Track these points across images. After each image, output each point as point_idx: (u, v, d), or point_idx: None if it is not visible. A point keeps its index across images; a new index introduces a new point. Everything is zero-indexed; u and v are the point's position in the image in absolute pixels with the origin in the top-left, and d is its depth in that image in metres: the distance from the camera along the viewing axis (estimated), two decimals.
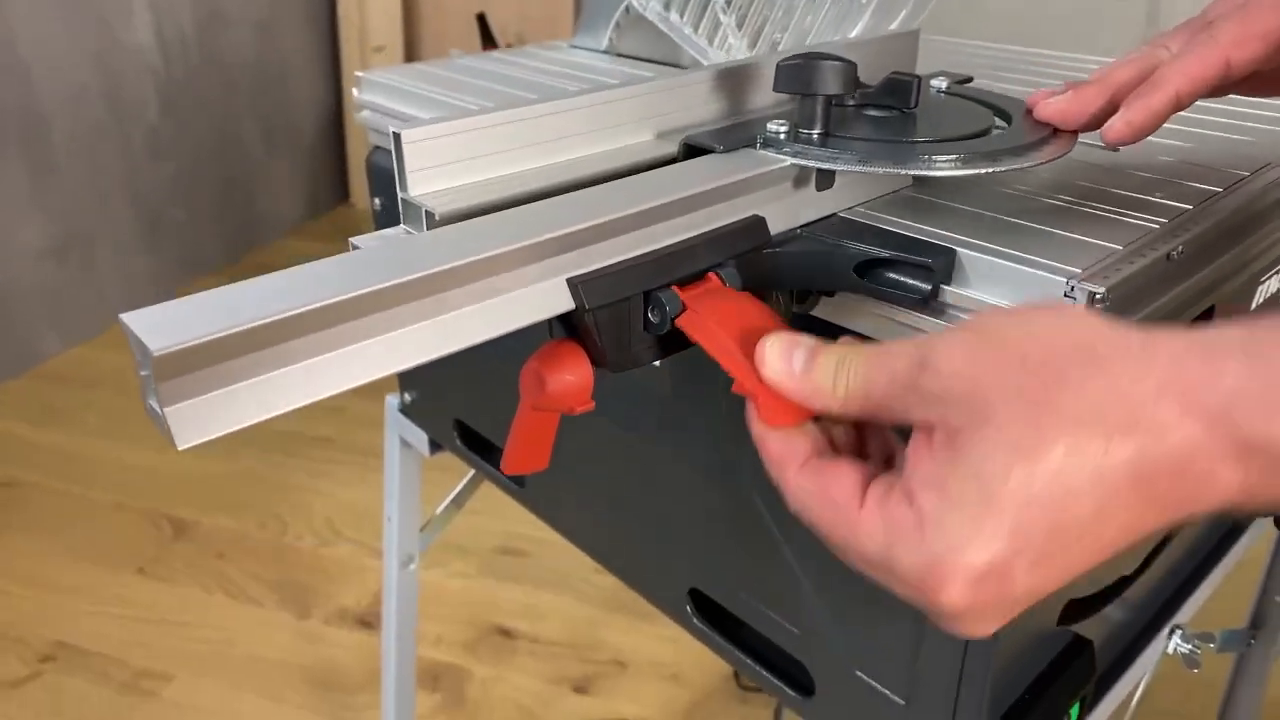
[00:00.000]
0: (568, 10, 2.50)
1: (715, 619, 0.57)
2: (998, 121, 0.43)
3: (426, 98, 0.63)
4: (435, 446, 0.81)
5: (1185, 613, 0.61)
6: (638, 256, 0.34)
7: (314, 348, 0.27)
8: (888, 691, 0.47)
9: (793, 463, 0.31)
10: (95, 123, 2.12)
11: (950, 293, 0.38)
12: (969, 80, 0.50)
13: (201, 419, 0.26)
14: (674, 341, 0.35)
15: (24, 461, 1.75)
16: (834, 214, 0.41)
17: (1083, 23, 1.79)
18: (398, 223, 0.68)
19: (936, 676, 0.45)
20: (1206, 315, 0.44)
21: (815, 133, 0.40)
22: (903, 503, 0.27)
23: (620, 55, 0.74)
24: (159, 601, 1.43)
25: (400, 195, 0.36)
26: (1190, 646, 0.59)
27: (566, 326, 0.34)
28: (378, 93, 0.68)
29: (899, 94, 0.43)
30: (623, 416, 0.56)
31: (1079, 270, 0.36)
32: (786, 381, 0.31)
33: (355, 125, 2.74)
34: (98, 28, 2.08)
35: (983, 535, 0.25)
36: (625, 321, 0.34)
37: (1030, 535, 0.25)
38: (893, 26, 0.59)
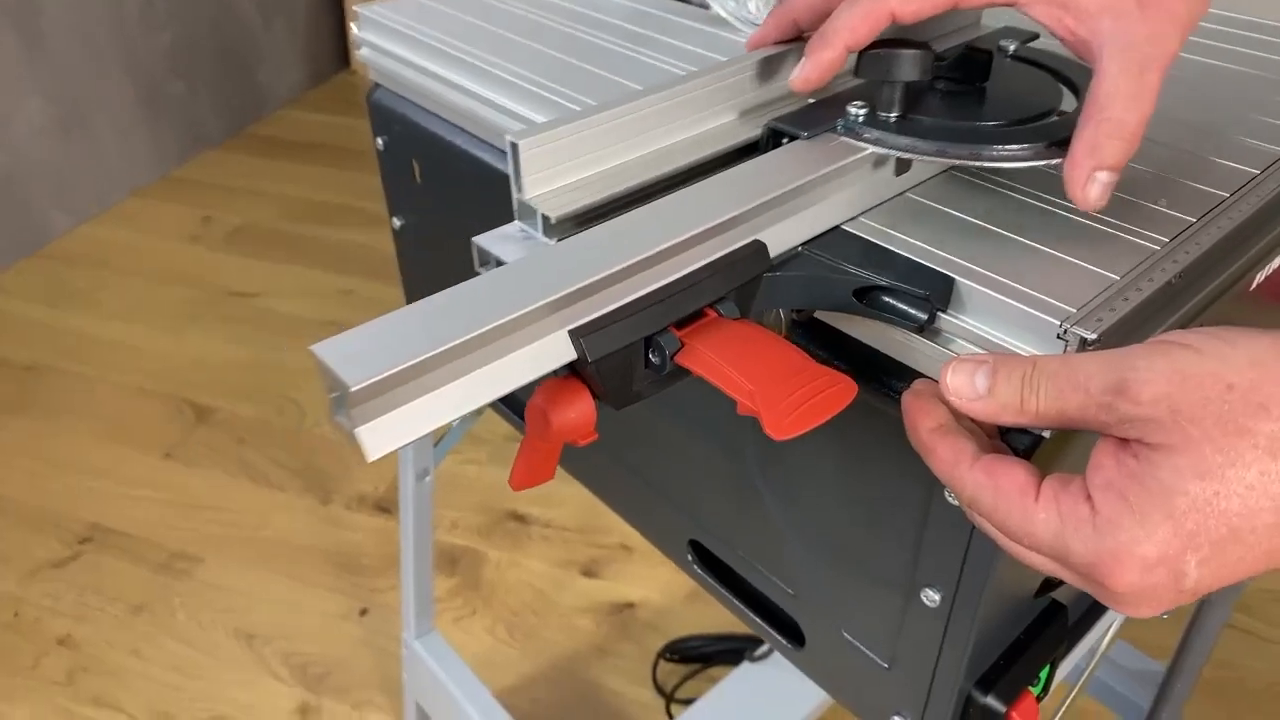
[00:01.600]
0: None
1: (714, 568, 0.61)
2: (1064, 93, 0.44)
3: (428, 45, 0.62)
4: None
5: None
6: (637, 300, 0.35)
7: (477, 363, 0.31)
8: (872, 654, 0.51)
9: (964, 461, 0.32)
10: None
11: (946, 320, 0.38)
12: (1035, 37, 0.49)
13: (385, 435, 0.30)
14: (675, 373, 0.36)
15: (44, 344, 1.79)
16: (837, 227, 0.42)
17: None
18: (403, 162, 0.68)
19: (918, 643, 0.49)
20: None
21: (893, 116, 0.42)
22: (1081, 500, 0.29)
23: None
24: (187, 485, 1.50)
25: (517, 197, 0.40)
26: None
27: (569, 366, 0.35)
28: (376, 32, 0.66)
29: (972, 69, 0.45)
30: None
31: (1074, 309, 0.36)
32: (973, 404, 0.32)
33: None
34: None
35: (1157, 536, 0.28)
36: (627, 365, 0.35)
37: (1208, 537, 0.27)
38: None
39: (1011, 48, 0.47)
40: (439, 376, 0.30)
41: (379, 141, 0.71)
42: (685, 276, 0.36)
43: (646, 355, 0.36)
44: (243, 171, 2.36)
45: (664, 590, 1.33)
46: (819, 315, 0.44)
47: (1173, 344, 0.29)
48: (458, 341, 0.30)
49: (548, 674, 1.23)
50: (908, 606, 0.47)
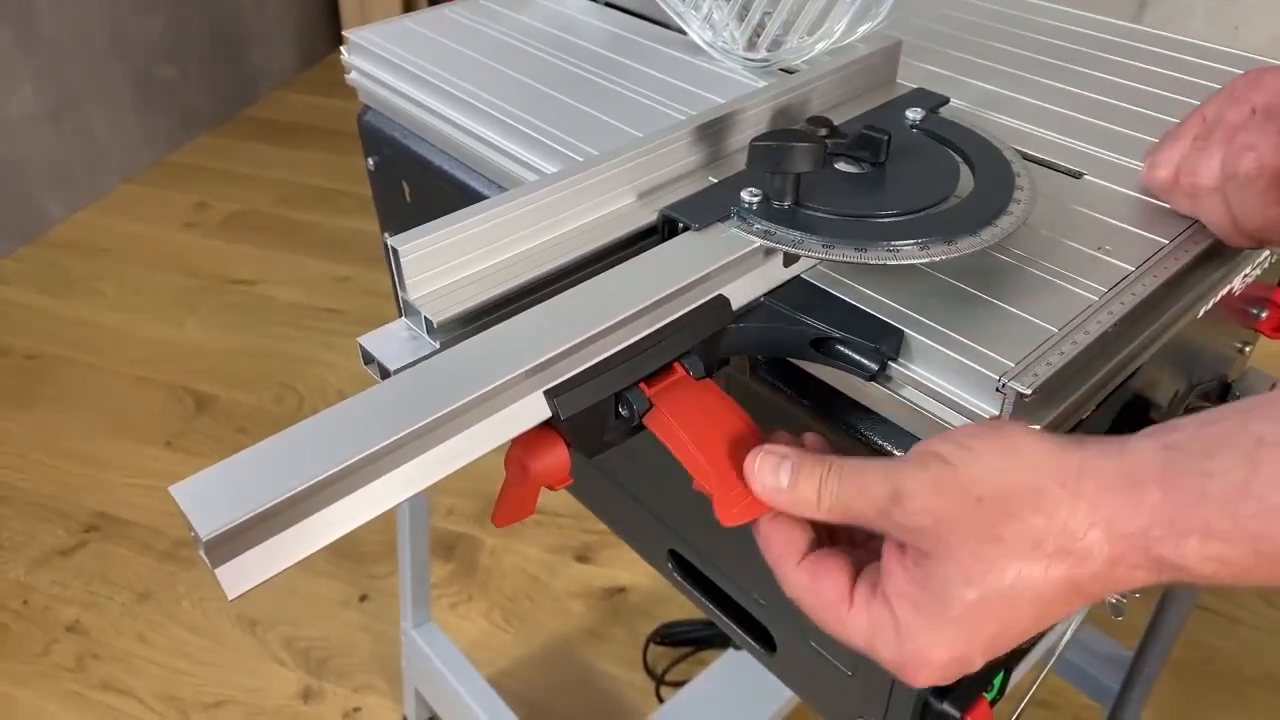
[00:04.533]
0: None
1: (692, 576, 0.64)
2: (963, 173, 0.45)
3: (413, 74, 0.64)
4: None
5: None
6: (608, 359, 0.38)
7: (345, 491, 0.32)
8: (836, 662, 0.54)
9: (791, 558, 0.36)
10: None
11: (896, 370, 0.41)
12: (944, 102, 0.51)
13: (246, 571, 0.30)
14: (642, 426, 0.39)
15: (46, 333, 1.81)
16: (798, 276, 0.44)
17: None
18: (393, 182, 0.71)
19: None
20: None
21: (786, 204, 0.42)
22: (883, 607, 0.34)
23: (608, 4, 0.73)
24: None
25: (401, 297, 0.39)
26: (1118, 597, 0.66)
27: (544, 420, 0.38)
28: (365, 58, 0.68)
29: (871, 148, 0.45)
30: None
31: (1012, 363, 0.39)
32: (775, 496, 0.36)
33: None
34: None
35: (944, 640, 0.32)
36: (598, 418, 0.38)
37: (984, 633, 0.32)
38: (883, 10, 0.58)
39: (918, 118, 0.49)
40: (298, 512, 0.31)
41: (370, 162, 0.73)
42: (650, 335, 0.39)
43: (616, 409, 0.38)
44: (237, 156, 2.37)
45: (655, 576, 1.37)
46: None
47: (930, 455, 0.32)
48: (326, 475, 0.31)
49: (541, 658, 1.27)
50: None
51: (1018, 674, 0.61)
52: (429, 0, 2.47)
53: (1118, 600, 0.67)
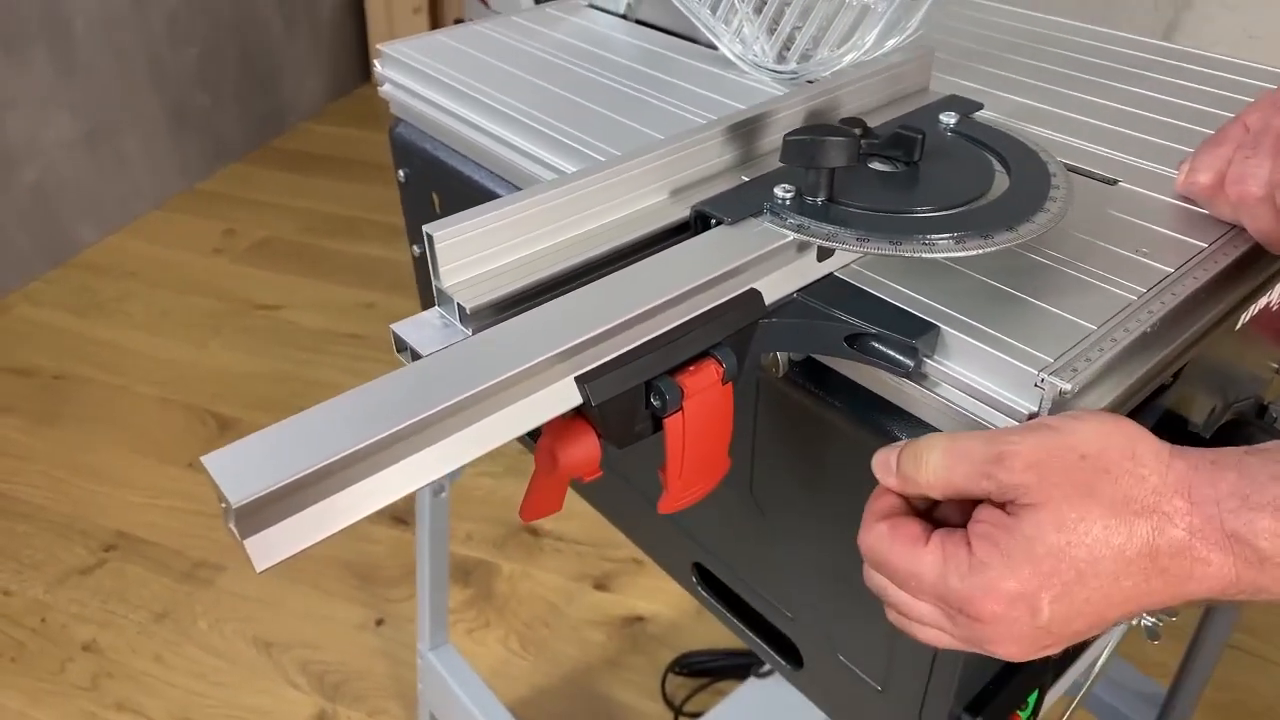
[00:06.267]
0: None
1: (717, 589, 0.63)
2: (998, 173, 0.45)
3: (445, 84, 0.64)
4: None
5: None
6: (639, 347, 0.37)
7: (374, 468, 0.32)
8: (866, 677, 0.53)
9: (873, 516, 0.38)
10: (115, 10, 2.09)
11: (932, 367, 0.41)
12: (979, 107, 0.51)
13: (275, 544, 0.30)
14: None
15: (73, 353, 1.83)
16: (831, 274, 0.44)
17: None
18: (423, 195, 0.71)
19: (910, 668, 0.51)
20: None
21: (820, 199, 0.42)
22: (962, 546, 0.35)
23: (639, 22, 0.74)
24: (209, 495, 1.52)
25: (435, 284, 0.39)
26: (1154, 619, 0.64)
27: (575, 409, 0.38)
28: (398, 70, 0.69)
29: (905, 147, 0.44)
30: None
31: (1050, 359, 0.38)
32: (887, 479, 0.37)
33: (375, 5, 2.66)
34: None
35: (1018, 575, 0.33)
36: (629, 407, 0.38)
37: (1059, 579, 0.33)
38: (912, 25, 0.59)
39: (952, 122, 0.48)
40: (335, 483, 0.30)
41: (400, 174, 0.74)
42: (682, 325, 0.38)
43: (648, 398, 0.38)
44: (265, 185, 2.41)
45: (674, 605, 1.35)
46: (815, 356, 0.46)
47: (1038, 425, 0.35)
48: (356, 448, 0.30)
49: (559, 686, 1.25)
50: (899, 630, 0.49)
51: (1051, 698, 0.59)
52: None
53: (1154, 623, 0.65)
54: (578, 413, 0.38)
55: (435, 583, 1.05)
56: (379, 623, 1.33)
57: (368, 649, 1.29)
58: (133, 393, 1.74)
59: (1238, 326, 0.53)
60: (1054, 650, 0.35)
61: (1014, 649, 0.34)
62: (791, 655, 0.59)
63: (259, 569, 0.30)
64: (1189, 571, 0.32)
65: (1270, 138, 0.44)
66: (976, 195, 0.43)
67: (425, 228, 0.38)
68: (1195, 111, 0.61)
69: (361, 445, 0.31)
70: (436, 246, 0.38)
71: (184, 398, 1.72)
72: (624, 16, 0.75)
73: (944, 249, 0.39)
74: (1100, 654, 0.63)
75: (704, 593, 0.64)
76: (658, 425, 0.39)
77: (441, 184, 0.69)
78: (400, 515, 1.49)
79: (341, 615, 1.34)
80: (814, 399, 0.46)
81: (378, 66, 0.71)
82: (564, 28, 0.74)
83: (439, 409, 0.32)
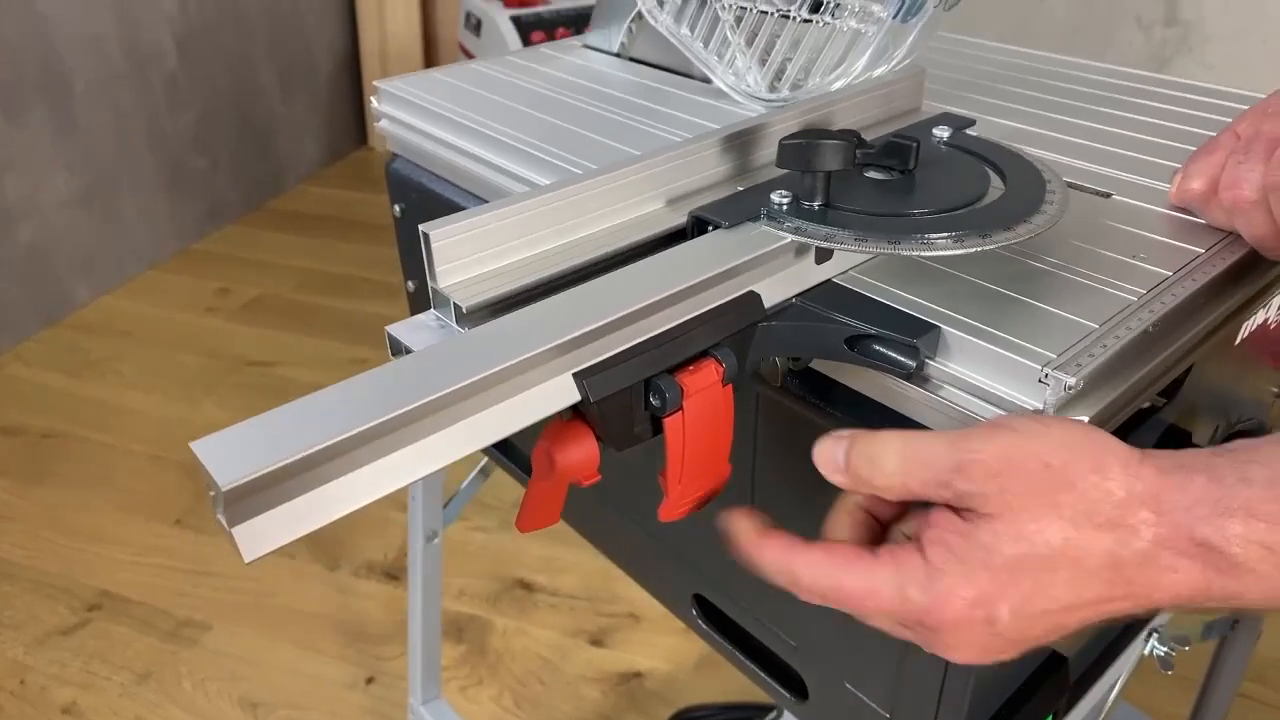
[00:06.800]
0: None
1: (718, 622, 0.61)
2: (994, 181, 0.45)
3: (442, 116, 0.65)
4: None
5: (1163, 615, 0.64)
6: (638, 345, 0.37)
7: (364, 459, 0.31)
8: (873, 704, 0.51)
9: (796, 547, 0.36)
10: (114, 72, 2.12)
11: (934, 367, 0.40)
12: (971, 123, 0.51)
13: (264, 533, 0.29)
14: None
15: (63, 412, 1.81)
16: (829, 279, 0.44)
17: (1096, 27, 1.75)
18: (416, 228, 0.71)
19: (918, 692, 0.49)
20: (1185, 376, 0.46)
21: (816, 204, 0.42)
22: (913, 552, 0.33)
23: (633, 60, 0.75)
24: (196, 553, 1.50)
25: (430, 285, 0.38)
26: (1167, 649, 0.62)
27: (573, 409, 0.37)
28: (395, 105, 0.70)
29: (899, 155, 0.45)
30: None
31: (1054, 355, 0.38)
32: (834, 475, 0.36)
33: (371, 69, 2.72)
34: None
35: (975, 583, 0.32)
36: (628, 406, 0.37)
37: (1017, 589, 0.32)
38: (902, 51, 0.60)
39: (945, 136, 0.49)
40: (324, 473, 0.30)
41: (396, 209, 0.74)
42: (681, 324, 0.38)
43: (647, 398, 0.37)
44: (260, 245, 2.42)
45: (672, 659, 1.32)
46: (814, 365, 0.46)
47: (1001, 427, 0.33)
48: (345, 436, 0.29)
49: None
50: (906, 654, 0.48)
51: None
52: None
53: (1167, 652, 0.63)
54: (576, 415, 0.38)
55: (428, 633, 1.02)
56: (369, 681, 1.29)
57: (357, 708, 1.25)
58: (122, 450, 1.72)
59: (1237, 340, 0.53)
60: (1008, 657, 0.34)
61: (969, 655, 0.33)
62: (796, 687, 0.57)
63: (247, 559, 0.29)
64: (1155, 581, 0.31)
65: (1261, 143, 0.44)
66: (973, 200, 0.43)
67: (421, 227, 0.38)
68: (1186, 133, 0.62)
69: (353, 432, 0.30)
70: (433, 245, 0.38)
71: (174, 454, 1.70)
72: (618, 55, 0.76)
73: (942, 247, 0.39)
74: (1109, 695, 0.61)
75: (705, 626, 0.62)
76: (657, 428, 0.39)
77: (437, 216, 0.69)
78: (391, 570, 1.46)
79: (330, 674, 1.30)
80: (815, 411, 0.46)
81: (375, 103, 0.72)
82: (559, 65, 0.75)
83: (433, 397, 0.31)
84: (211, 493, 0.29)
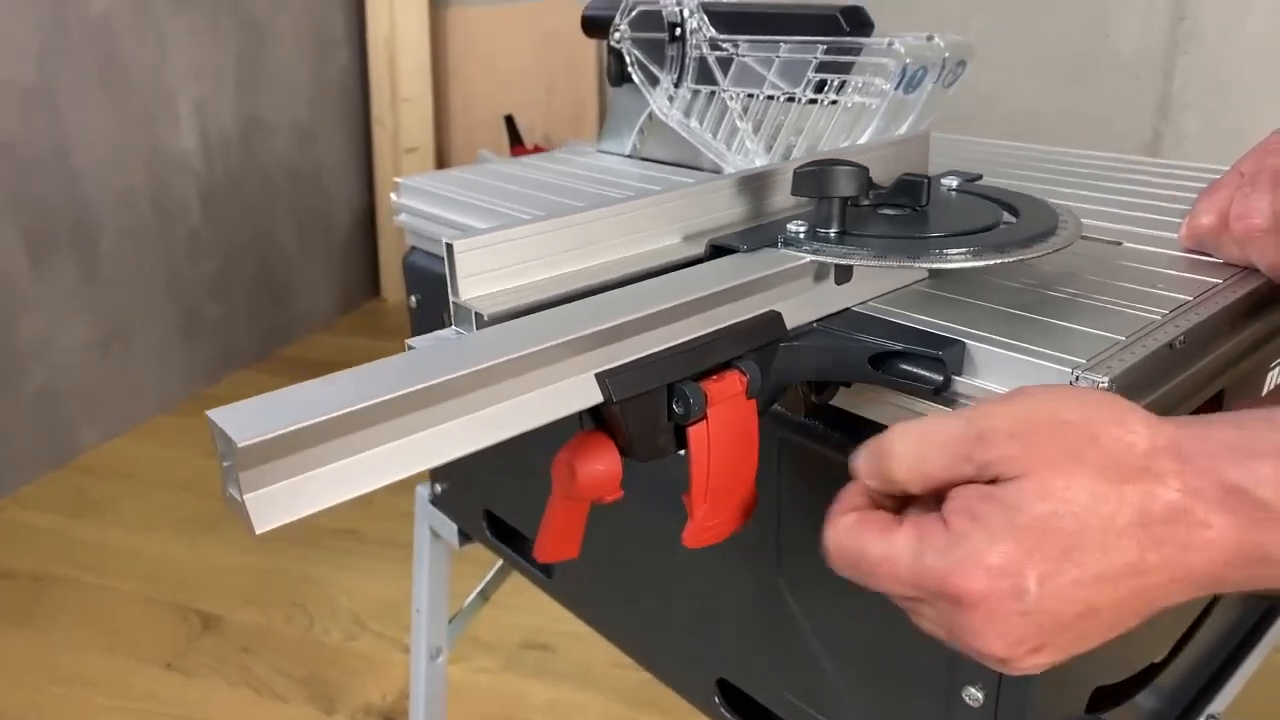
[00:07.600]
0: (592, 110, 2.60)
1: (743, 709, 0.58)
2: (1006, 216, 0.46)
3: (460, 202, 0.67)
4: (464, 538, 0.82)
5: (1220, 701, 0.60)
6: (661, 351, 0.36)
7: (378, 439, 0.30)
8: None
9: (837, 512, 0.35)
10: (141, 224, 2.21)
11: (961, 383, 0.39)
12: (978, 178, 0.53)
13: (277, 504, 0.28)
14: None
15: (57, 555, 1.77)
16: (848, 308, 0.44)
17: (1095, 120, 1.85)
18: (434, 319, 0.72)
19: None
20: (1216, 401, 0.45)
21: (832, 231, 0.42)
22: (935, 521, 0.32)
23: (644, 159, 0.78)
24: (186, 697, 1.43)
25: (452, 299, 0.39)
26: None
27: (596, 419, 0.36)
28: (414, 197, 0.72)
29: (911, 193, 0.46)
30: (650, 508, 0.57)
31: (1083, 360, 0.37)
32: (865, 480, 0.35)
33: (386, 224, 2.83)
34: (145, 133, 2.19)
35: (1000, 549, 0.30)
36: (650, 413, 0.36)
37: (1044, 551, 0.30)
38: (902, 130, 0.62)
39: (954, 184, 0.50)
40: (338, 448, 0.29)
41: (412, 300, 0.75)
42: (704, 335, 0.38)
43: (670, 405, 0.36)
44: (269, 388, 2.39)
45: None
46: (837, 402, 0.45)
47: (1014, 394, 0.33)
48: (360, 407, 0.29)
49: None
50: (951, 710, 0.44)
51: None
52: None
53: None
54: (598, 426, 0.37)
55: None
56: None
57: None
58: (114, 591, 1.67)
59: (1264, 391, 0.52)
60: (1044, 659, 0.31)
61: (998, 644, 0.31)
62: None
63: (257, 530, 0.28)
64: (1187, 540, 0.30)
65: (1266, 175, 0.45)
66: (987, 228, 0.43)
67: (444, 239, 0.38)
68: (1187, 199, 0.63)
69: (369, 403, 0.29)
70: (456, 257, 0.38)
71: (168, 595, 1.65)
72: (630, 156, 0.80)
73: (960, 260, 0.39)
74: None
75: (728, 715, 0.58)
76: (681, 443, 0.37)
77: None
78: (389, 714, 1.38)
79: None
80: (837, 449, 0.44)
81: (394, 198, 0.75)
82: (574, 164, 0.78)
83: (451, 377, 0.31)
84: (226, 462, 0.28)
